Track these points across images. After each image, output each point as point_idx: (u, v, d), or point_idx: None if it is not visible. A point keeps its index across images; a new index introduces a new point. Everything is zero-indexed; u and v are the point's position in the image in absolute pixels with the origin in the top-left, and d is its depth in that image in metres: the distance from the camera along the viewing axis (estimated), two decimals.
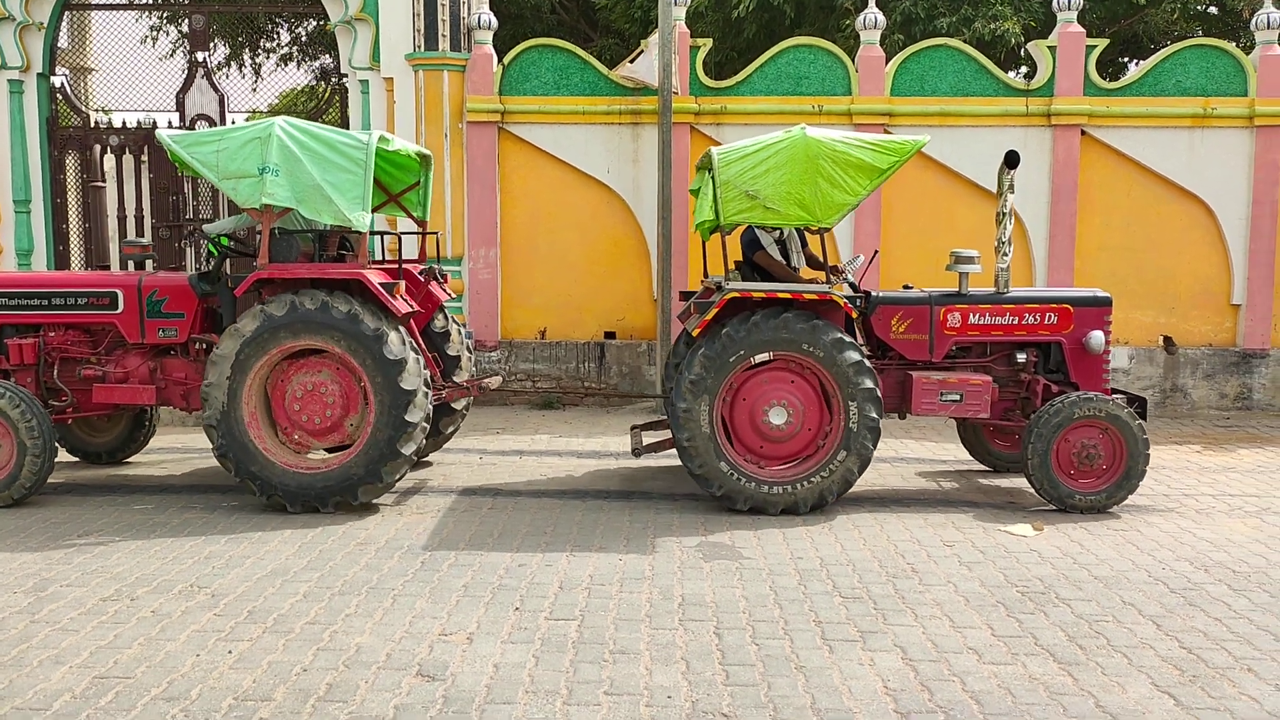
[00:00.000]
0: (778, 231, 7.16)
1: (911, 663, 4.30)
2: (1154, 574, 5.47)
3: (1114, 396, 6.83)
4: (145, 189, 10.92)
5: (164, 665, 4.20)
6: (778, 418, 6.61)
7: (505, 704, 3.87)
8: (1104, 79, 10.53)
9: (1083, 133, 10.38)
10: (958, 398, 6.86)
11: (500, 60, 10.52)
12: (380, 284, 6.53)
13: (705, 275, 7.86)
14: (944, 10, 12.95)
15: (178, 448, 8.64)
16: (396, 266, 7.07)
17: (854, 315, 6.80)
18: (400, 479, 6.67)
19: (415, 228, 7.98)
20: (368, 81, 10.64)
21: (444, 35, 10.25)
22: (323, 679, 4.08)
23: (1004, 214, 7.15)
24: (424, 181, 7.67)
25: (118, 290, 7.14)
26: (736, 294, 6.57)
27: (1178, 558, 5.76)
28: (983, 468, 7.98)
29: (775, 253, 7.10)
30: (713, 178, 6.61)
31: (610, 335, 10.85)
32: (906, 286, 7.49)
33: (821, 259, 6.97)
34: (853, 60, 10.48)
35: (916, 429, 9.62)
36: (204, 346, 7.24)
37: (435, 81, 10.34)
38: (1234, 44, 11.29)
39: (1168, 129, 10.35)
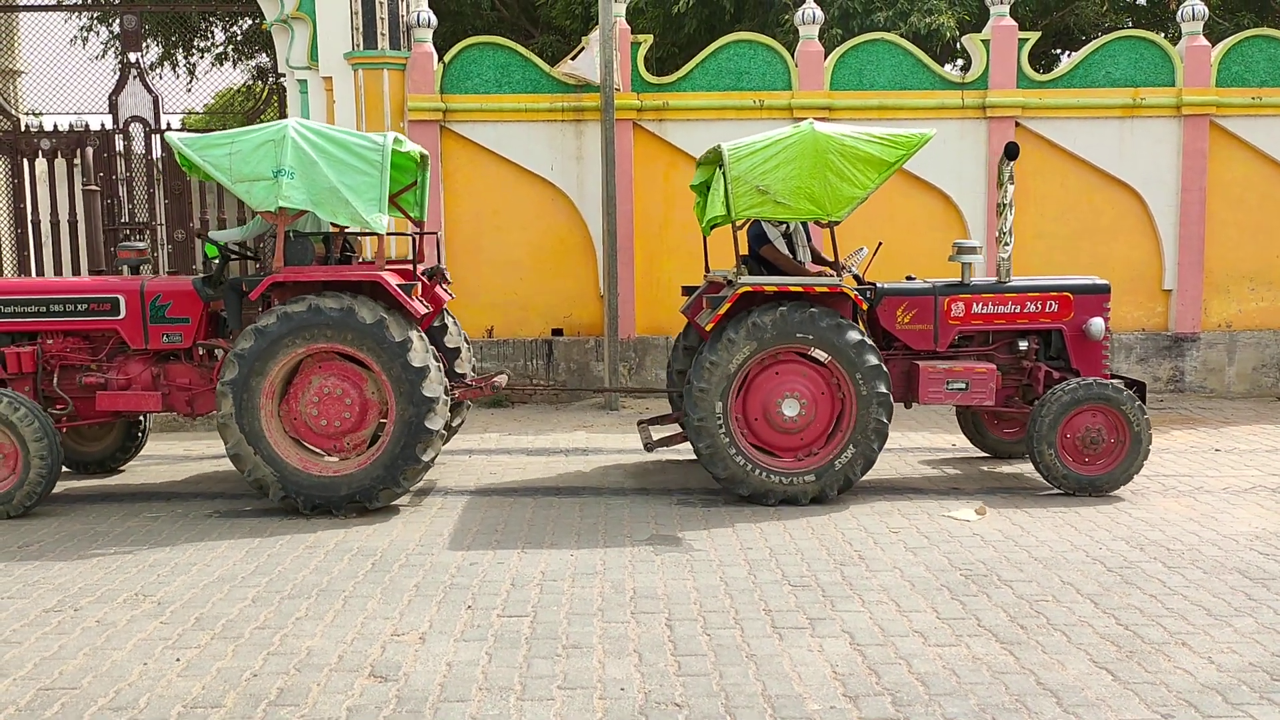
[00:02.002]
0: (784, 226, 7.25)
1: (859, 647, 4.38)
2: (1092, 554, 5.63)
3: (1113, 381, 6.98)
4: (78, 193, 10.69)
5: (110, 675, 4.15)
6: (790, 409, 6.70)
7: (459, 701, 3.89)
8: (1037, 71, 10.75)
9: (1017, 124, 10.59)
10: (964, 386, 6.98)
11: (441, 59, 10.47)
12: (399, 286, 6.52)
13: (707, 270, 7.95)
14: (880, 5, 13.12)
15: (153, 455, 8.45)
16: (411, 268, 7.03)
17: (864, 308, 6.91)
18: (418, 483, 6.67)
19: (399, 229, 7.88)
20: (306, 81, 10.53)
21: (383, 34, 10.17)
22: (274, 683, 4.06)
23: (1005, 204, 7.29)
24: (421, 182, 7.58)
25: (120, 296, 7.01)
26: (749, 288, 6.65)
27: (1114, 537, 5.92)
28: (982, 454, 8.16)
29: (782, 246, 7.18)
30: (724, 173, 6.64)
31: (558, 332, 10.86)
32: (909, 278, 7.65)
33: (833, 253, 7.08)
34: (792, 55, 10.59)
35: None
36: (208, 352, 7.17)
37: (375, 81, 10.27)
38: (1162, 35, 11.59)
39: (1099, 119, 10.60)
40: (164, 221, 10.93)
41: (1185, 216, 10.68)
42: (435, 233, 7.84)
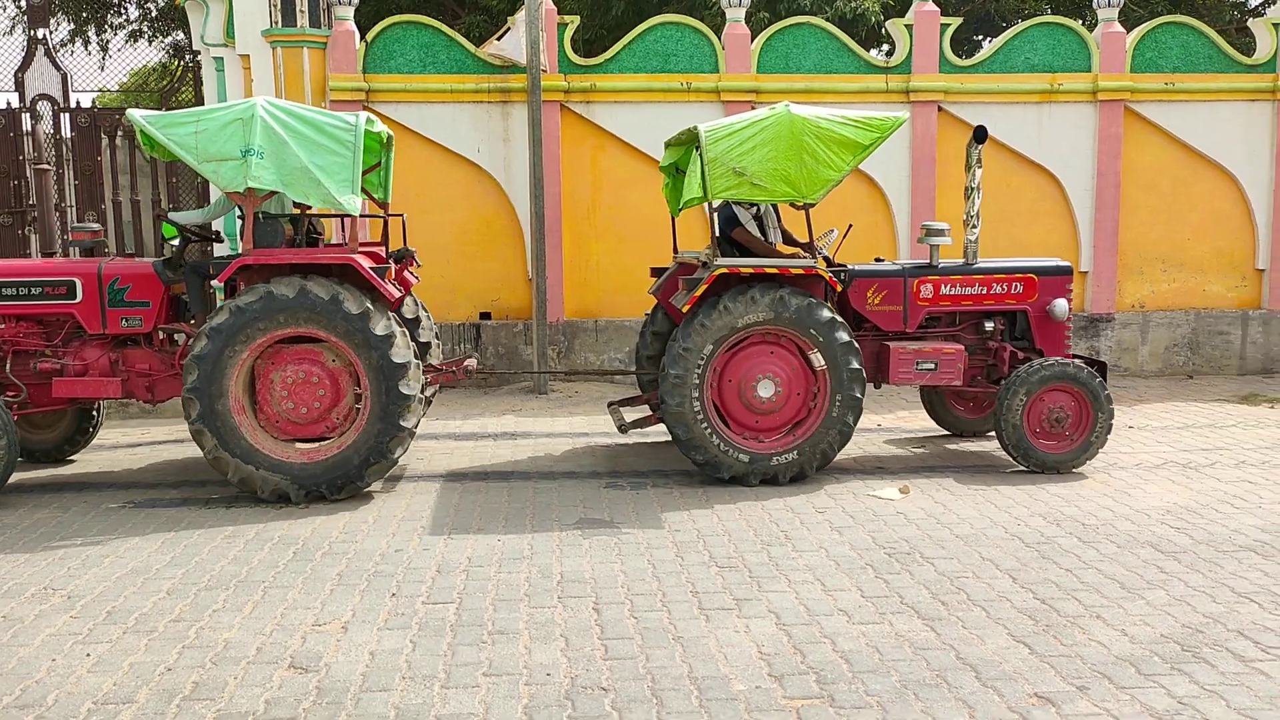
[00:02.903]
0: (755, 208, 7.25)
1: (785, 627, 4.42)
2: (1010, 530, 5.74)
3: (1074, 360, 7.11)
4: None
5: (17, 672, 4.00)
6: (765, 390, 6.73)
7: (382, 691, 3.83)
8: (959, 57, 10.90)
9: (939, 108, 10.73)
10: (933, 366, 7.09)
11: (363, 37, 10.26)
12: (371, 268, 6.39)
13: (675, 252, 7.95)
14: None
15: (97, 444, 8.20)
16: (380, 251, 6.90)
17: (839, 289, 6.96)
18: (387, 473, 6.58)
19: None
20: (222, 59, 10.25)
21: (302, 11, 9.91)
22: (189, 677, 3.95)
23: (972, 188, 7.38)
24: (385, 163, 7.40)
25: (76, 279, 6.77)
26: (726, 270, 6.64)
27: (1032, 514, 6.06)
28: (944, 432, 8.32)
29: (754, 229, 7.20)
30: (700, 155, 6.62)
31: (485, 316, 10.75)
32: (878, 260, 7.72)
33: (808, 235, 7.05)
34: (719, 38, 10.58)
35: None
36: (168, 337, 6.95)
37: (295, 59, 10.01)
38: (1080, 23, 11.83)
39: (1018, 104, 10.79)
40: (74, 204, 10.56)
41: (1101, 200, 10.94)
42: (402, 215, 7.68)
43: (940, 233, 7.34)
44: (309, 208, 6.66)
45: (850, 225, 7.56)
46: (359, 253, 6.50)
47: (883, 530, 5.77)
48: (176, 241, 6.92)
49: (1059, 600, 4.70)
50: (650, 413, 7.61)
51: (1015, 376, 6.95)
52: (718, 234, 7.04)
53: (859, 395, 6.72)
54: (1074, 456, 6.98)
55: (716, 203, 6.85)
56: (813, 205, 6.76)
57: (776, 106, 6.77)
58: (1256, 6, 18.33)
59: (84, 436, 7.72)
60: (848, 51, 10.63)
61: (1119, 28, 10.81)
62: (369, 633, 4.36)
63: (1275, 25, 10.91)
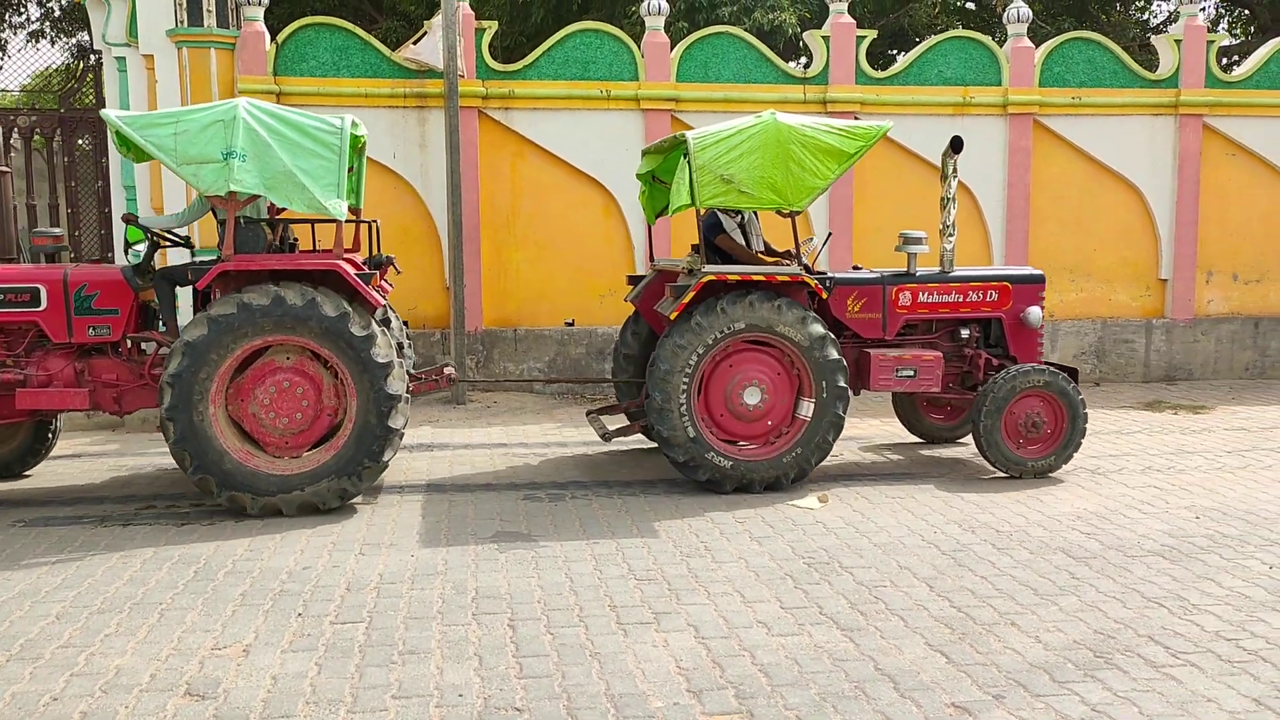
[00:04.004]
0: (739, 216, 7.25)
1: (704, 640, 4.35)
2: (927, 538, 5.77)
3: (1049, 367, 7.20)
4: None
5: None
6: (752, 398, 6.76)
7: (283, 717, 3.65)
8: (876, 70, 11.03)
9: (855, 119, 10.82)
10: (912, 373, 7.15)
11: (274, 39, 9.99)
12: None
13: (651, 259, 7.95)
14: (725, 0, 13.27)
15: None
16: (367, 257, 6.77)
17: (825, 297, 7.01)
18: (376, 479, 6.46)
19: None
20: (125, 59, 9.88)
21: (209, 10, 9.62)
22: (76, 707, 3.73)
23: (948, 199, 7.47)
24: (358, 168, 7.23)
25: (40, 286, 6.45)
26: (714, 276, 6.61)
27: (948, 521, 6.10)
28: (916, 439, 8.40)
29: (738, 236, 7.19)
30: (689, 162, 6.62)
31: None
32: (856, 267, 7.79)
33: (793, 242, 7.05)
34: (639, 46, 10.55)
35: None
36: (135, 346, 6.68)
37: (201, 60, 9.70)
38: (991, 37, 12.07)
39: (932, 116, 10.95)
40: None
41: (1011, 211, 11.16)
42: (375, 221, 7.45)
43: (918, 241, 7.44)
44: (281, 211, 6.46)
45: (829, 234, 7.62)
46: (343, 259, 6.39)
47: (802, 540, 5.75)
48: (141, 246, 6.67)
49: (975, 608, 4.72)
50: (629, 421, 7.60)
51: (993, 382, 7.05)
52: (701, 240, 7.08)
53: (841, 414, 6.80)
54: (1049, 461, 7.10)
55: (705, 210, 6.89)
56: (799, 212, 6.82)
57: (763, 115, 6.81)
58: (1159, 24, 19.00)
59: (42, 447, 7.38)
60: (766, 62, 10.69)
61: (1028, 43, 11.06)
62: (272, 655, 4.17)
63: (1177, 42, 11.27)
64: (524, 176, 10.57)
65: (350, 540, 5.73)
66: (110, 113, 6.16)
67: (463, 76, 9.96)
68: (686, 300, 6.68)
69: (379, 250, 7.37)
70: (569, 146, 10.52)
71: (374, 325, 6.24)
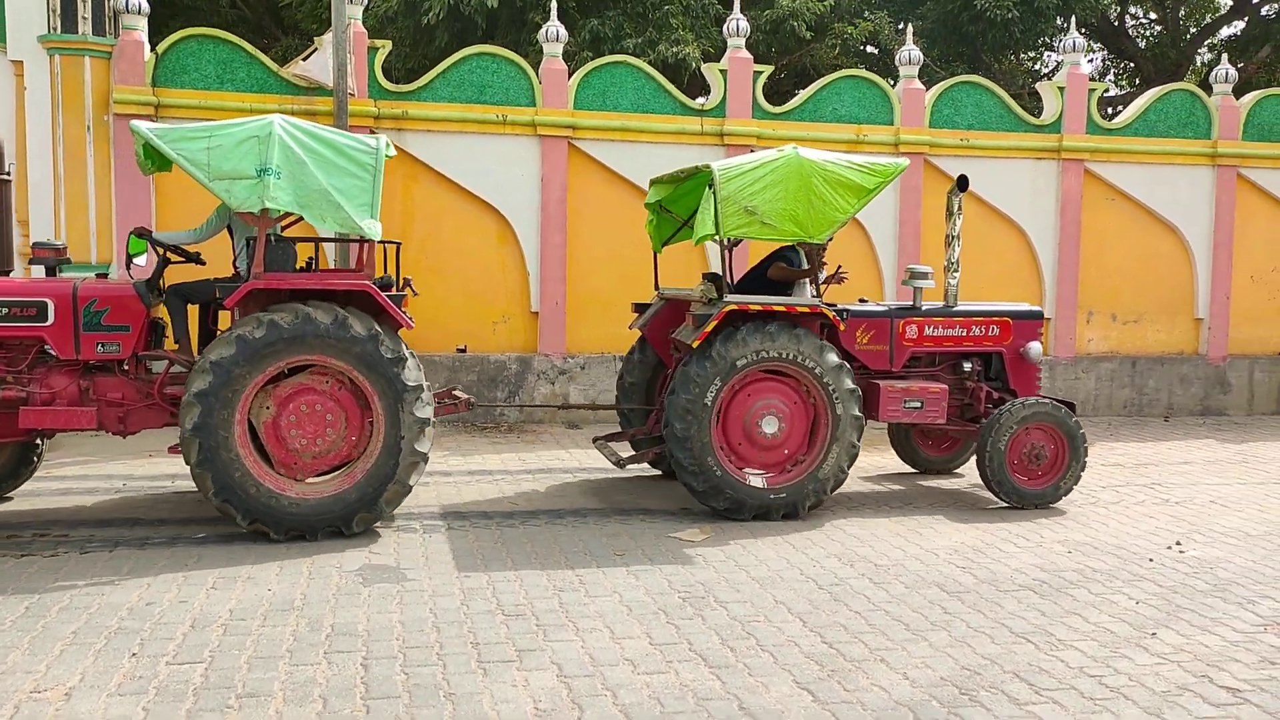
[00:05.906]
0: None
1: (566, 679, 4.18)
2: (805, 571, 5.71)
3: (1050, 401, 7.30)
4: None
5: None
6: (770, 427, 6.82)
7: None
8: (774, 105, 11.12)
9: (751, 152, 10.89)
10: (919, 405, 7.23)
11: (154, 49, 9.61)
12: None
13: (657, 287, 7.99)
14: (630, 31, 13.28)
15: None
16: (395, 279, 6.60)
17: (841, 329, 7.06)
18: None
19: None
20: None
21: (84, 17, 9.22)
22: None
23: (953, 236, 7.68)
24: None
25: (48, 300, 6.12)
26: (735, 306, 6.70)
27: (828, 554, 6.05)
28: (909, 470, 8.50)
29: (804, 263, 7.21)
30: (714, 192, 6.67)
31: None
32: (862, 300, 7.92)
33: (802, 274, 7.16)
34: (536, 72, 10.45)
35: None
36: (145, 363, 6.37)
37: (75, 68, 9.28)
38: (887, 80, 12.30)
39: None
40: None
41: (902, 250, 11.33)
42: (398, 242, 7.11)
43: (924, 275, 7.57)
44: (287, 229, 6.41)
45: (840, 267, 7.64)
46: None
47: (680, 573, 5.63)
48: (141, 259, 6.42)
49: (846, 644, 4.65)
50: (634, 450, 7.56)
51: (999, 414, 7.13)
52: (730, 270, 7.17)
53: (857, 442, 6.87)
54: (1051, 492, 7.21)
55: (727, 239, 6.97)
56: (820, 245, 6.90)
57: (785, 149, 6.91)
58: (1048, 73, 19.68)
59: (27, 469, 6.95)
60: (664, 93, 10.69)
61: (919, 85, 11.29)
62: (96, 699, 3.87)
63: (1060, 89, 11.64)
64: (417, 200, 10.36)
65: (202, 575, 5.40)
66: (141, 124, 6.00)
67: (353, 95, 9.72)
68: (709, 329, 6.70)
69: (399, 271, 7.10)
70: (464, 171, 10.34)
71: (404, 347, 6.15)
